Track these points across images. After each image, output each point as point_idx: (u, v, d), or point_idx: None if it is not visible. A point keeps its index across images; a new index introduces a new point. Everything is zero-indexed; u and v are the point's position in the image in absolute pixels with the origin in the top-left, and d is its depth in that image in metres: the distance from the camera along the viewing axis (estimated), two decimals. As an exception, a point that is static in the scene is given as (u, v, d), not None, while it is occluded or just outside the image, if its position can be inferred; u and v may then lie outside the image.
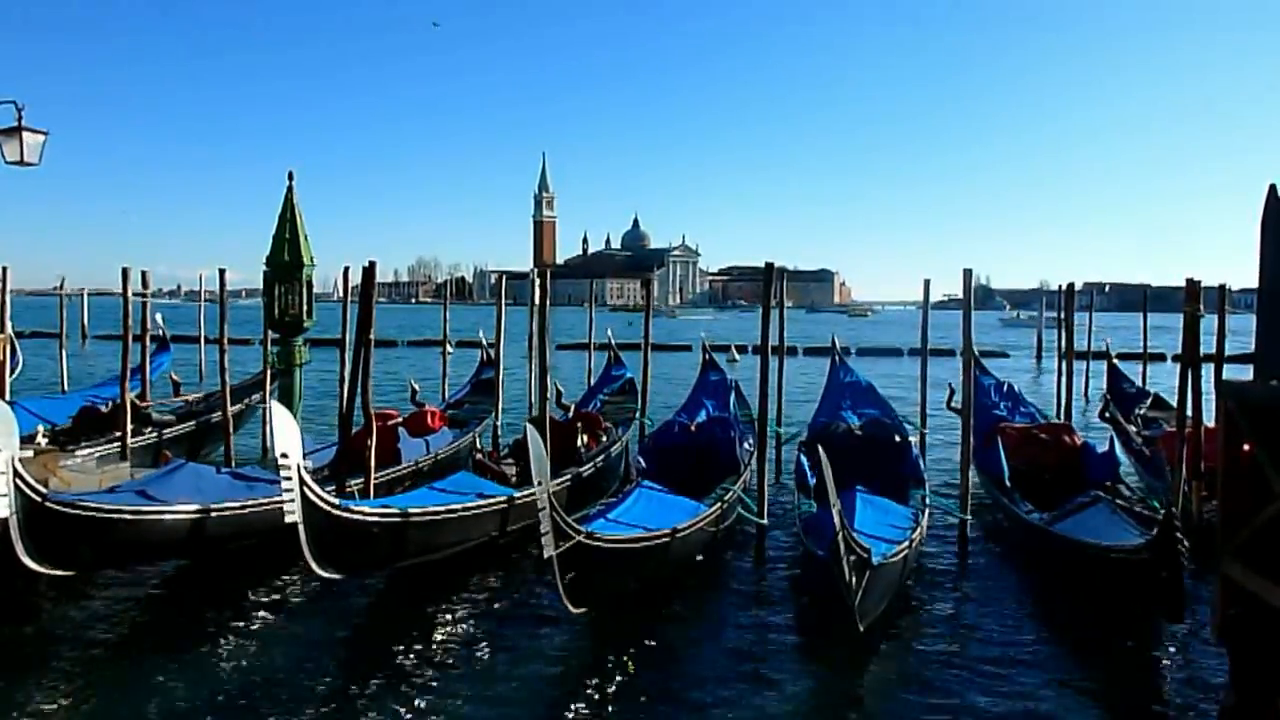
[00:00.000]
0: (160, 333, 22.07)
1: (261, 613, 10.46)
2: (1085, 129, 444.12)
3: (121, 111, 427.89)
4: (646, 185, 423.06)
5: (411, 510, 10.78)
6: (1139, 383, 25.68)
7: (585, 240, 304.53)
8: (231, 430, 17.13)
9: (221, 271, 19.12)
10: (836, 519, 8.76)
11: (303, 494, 9.24)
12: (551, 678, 8.90)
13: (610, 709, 8.20)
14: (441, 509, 11.18)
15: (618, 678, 8.80)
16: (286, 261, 17.69)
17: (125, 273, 17.23)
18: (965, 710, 8.20)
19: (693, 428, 16.19)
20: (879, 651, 9.44)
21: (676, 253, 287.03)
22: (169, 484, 11.33)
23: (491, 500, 12.02)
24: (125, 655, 9.22)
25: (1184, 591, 9.28)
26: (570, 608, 8.98)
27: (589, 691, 8.50)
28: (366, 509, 10.37)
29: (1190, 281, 13.74)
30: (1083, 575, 10.92)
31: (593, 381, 23.56)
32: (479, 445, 15.76)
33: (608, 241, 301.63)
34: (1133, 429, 18.95)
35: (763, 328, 13.80)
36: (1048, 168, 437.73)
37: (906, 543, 10.47)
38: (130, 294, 17.05)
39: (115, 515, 10.00)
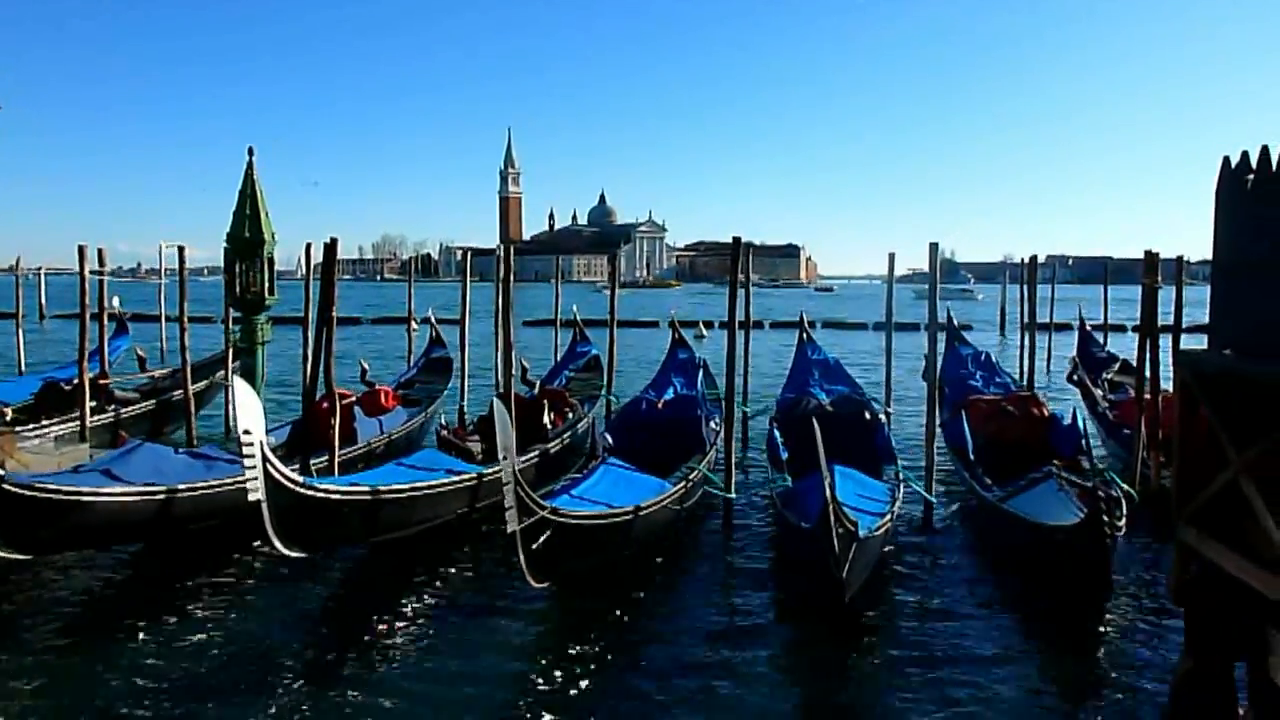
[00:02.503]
0: (119, 315, 21.76)
1: (224, 591, 10.39)
2: (1050, 104, 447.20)
3: (80, 87, 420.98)
4: (613, 161, 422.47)
5: (378, 488, 10.70)
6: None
7: (552, 216, 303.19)
8: (194, 409, 16.96)
9: (180, 249, 18.83)
10: (827, 490, 8.81)
11: (266, 471, 9.03)
12: (520, 655, 8.91)
13: (584, 682, 8.24)
14: (409, 486, 11.11)
15: (591, 652, 8.84)
16: (247, 238, 17.48)
17: (82, 250, 16.93)
18: (933, 682, 8.32)
19: (660, 405, 16.20)
20: (852, 623, 9.52)
21: (643, 228, 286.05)
22: (126, 465, 11.16)
23: (460, 477, 11.99)
24: (86, 636, 9.13)
25: (1110, 572, 9.55)
26: (533, 582, 9.01)
27: (559, 665, 8.53)
28: (332, 486, 10.27)
29: (1149, 254, 13.89)
30: (1025, 549, 11.12)
31: (559, 358, 23.53)
32: (444, 422, 15.70)
33: (574, 217, 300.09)
34: (1099, 393, 19.13)
35: (730, 304, 13.82)
36: (1013, 142, 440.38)
37: (888, 515, 10.60)
38: (87, 272, 16.78)
39: (73, 497, 9.83)
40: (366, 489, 10.56)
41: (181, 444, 15.12)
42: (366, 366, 19.33)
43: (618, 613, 9.90)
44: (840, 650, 9.10)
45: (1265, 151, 6.17)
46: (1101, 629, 9.57)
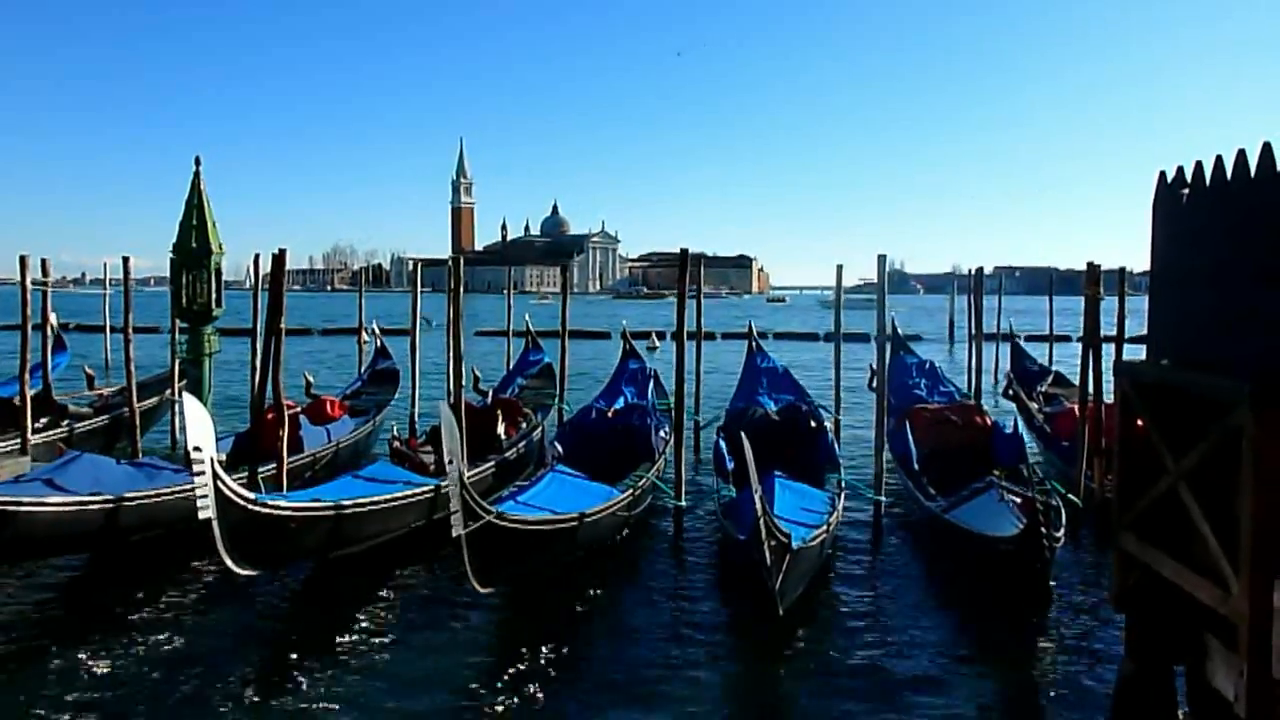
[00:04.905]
0: (55, 332, 21.32)
1: (170, 602, 10.20)
2: (1000, 116, 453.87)
3: (24, 94, 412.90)
4: (566, 170, 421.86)
5: (332, 503, 10.54)
6: (1045, 363, 26.38)
7: (504, 227, 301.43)
8: (144, 426, 16.66)
9: (125, 259, 18.58)
10: (758, 503, 8.87)
11: (217, 489, 8.83)
12: (471, 663, 8.86)
13: (532, 693, 8.19)
14: (364, 500, 10.97)
15: (539, 662, 8.81)
16: (194, 249, 17.28)
17: (23, 261, 16.61)
18: (876, 692, 8.38)
19: (610, 414, 16.24)
20: (795, 633, 9.57)
21: (596, 239, 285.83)
22: (66, 475, 10.95)
23: (417, 490, 11.89)
24: (26, 652, 8.91)
25: (1050, 581, 9.77)
26: (478, 587, 9.01)
27: (508, 676, 8.49)
28: (285, 503, 10.08)
29: (1091, 265, 14.17)
30: (968, 559, 11.28)
31: (511, 367, 23.49)
32: (396, 432, 15.62)
33: (527, 228, 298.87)
34: (1034, 406, 19.51)
35: (678, 314, 13.89)
36: (964, 153, 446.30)
37: (824, 527, 10.65)
38: (29, 283, 16.47)
39: (10, 507, 9.61)
40: (318, 504, 10.41)
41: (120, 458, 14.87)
42: (312, 379, 19.14)
43: (565, 621, 9.91)
44: (780, 658, 9.15)
45: (1199, 167, 6.33)
46: (1045, 635, 9.70)
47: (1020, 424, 15.71)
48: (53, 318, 19.46)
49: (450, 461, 8.74)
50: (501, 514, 9.32)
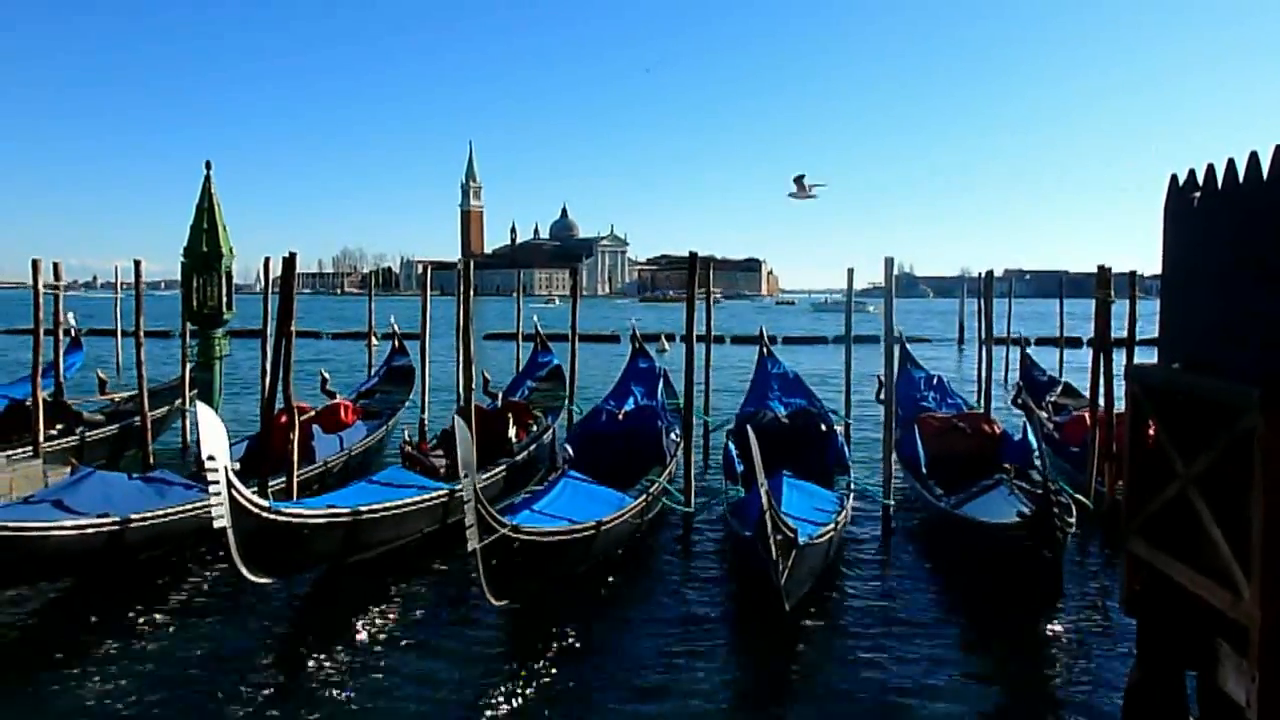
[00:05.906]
0: (73, 331, 21.46)
1: (174, 613, 10.22)
2: (1008, 118, 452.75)
3: (35, 100, 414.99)
4: (575, 173, 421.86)
5: (346, 509, 10.58)
6: (1055, 367, 26.38)
7: (513, 230, 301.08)
8: (155, 433, 16.72)
9: (137, 263, 18.65)
10: (764, 497, 8.86)
11: (232, 498, 8.87)
12: (483, 669, 8.88)
13: (542, 699, 8.23)
14: (378, 507, 11.00)
15: (549, 667, 8.83)
16: (204, 253, 17.40)
17: (36, 265, 16.70)
18: (885, 690, 8.39)
19: (620, 416, 16.24)
20: (804, 634, 9.59)
21: (605, 242, 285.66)
22: (76, 495, 10.93)
23: (431, 495, 11.92)
24: (35, 659, 8.94)
25: (1060, 570, 9.80)
26: (493, 600, 8.97)
27: (519, 681, 8.51)
28: (300, 510, 10.11)
29: (1101, 268, 14.13)
30: (978, 553, 11.25)
31: (520, 369, 23.52)
32: (407, 437, 15.66)
33: (536, 231, 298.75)
34: (1044, 415, 19.50)
35: (688, 318, 13.89)
36: (972, 156, 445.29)
37: (832, 525, 10.64)
38: (41, 286, 16.55)
39: (18, 533, 9.54)
40: (332, 511, 10.44)
41: (131, 471, 14.91)
42: (327, 376, 19.19)
43: (574, 622, 9.90)
44: (786, 655, 9.18)
45: (1211, 170, 6.31)
46: (1055, 639, 9.70)
47: (1030, 431, 15.70)
48: (71, 317, 19.59)
49: (465, 475, 8.70)
50: (517, 527, 9.28)
